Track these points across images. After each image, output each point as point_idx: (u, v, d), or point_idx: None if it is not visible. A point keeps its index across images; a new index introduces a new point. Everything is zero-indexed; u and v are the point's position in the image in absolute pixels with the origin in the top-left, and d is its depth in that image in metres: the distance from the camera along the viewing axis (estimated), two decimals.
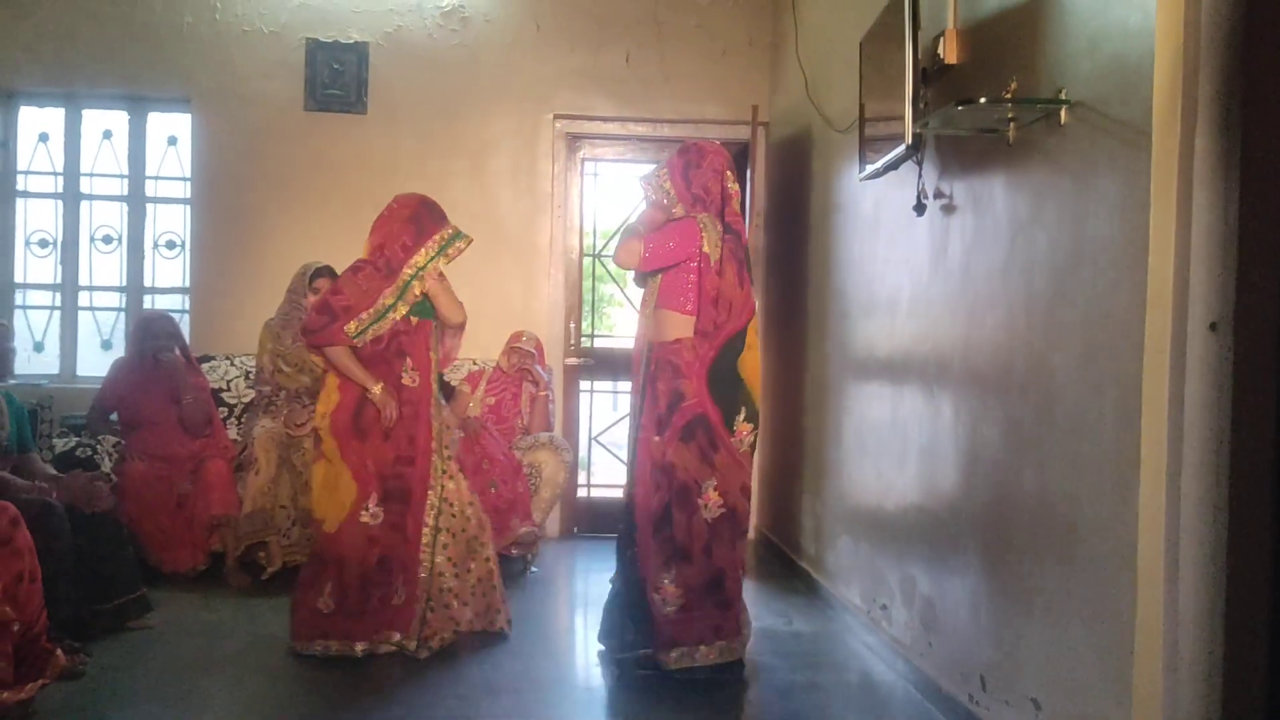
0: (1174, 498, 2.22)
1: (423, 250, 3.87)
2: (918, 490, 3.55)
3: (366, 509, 3.80)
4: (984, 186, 3.07)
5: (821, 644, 4.11)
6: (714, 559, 3.58)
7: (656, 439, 3.62)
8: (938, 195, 3.39)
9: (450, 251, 3.92)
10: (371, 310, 3.82)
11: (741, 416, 3.64)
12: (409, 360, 3.91)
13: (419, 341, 3.94)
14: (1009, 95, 2.68)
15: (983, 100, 2.67)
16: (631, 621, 3.67)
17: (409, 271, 3.85)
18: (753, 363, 3.69)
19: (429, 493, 3.89)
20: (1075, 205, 2.54)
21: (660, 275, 3.67)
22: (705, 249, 3.60)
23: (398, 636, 3.78)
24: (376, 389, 3.82)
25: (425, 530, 3.87)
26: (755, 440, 3.70)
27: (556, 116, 5.99)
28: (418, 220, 3.90)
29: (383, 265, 3.85)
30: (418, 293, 3.87)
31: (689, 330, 3.62)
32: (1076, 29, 2.55)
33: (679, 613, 3.55)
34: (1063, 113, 2.58)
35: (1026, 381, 2.76)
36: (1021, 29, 2.82)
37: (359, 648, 3.74)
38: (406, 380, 3.90)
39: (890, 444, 3.82)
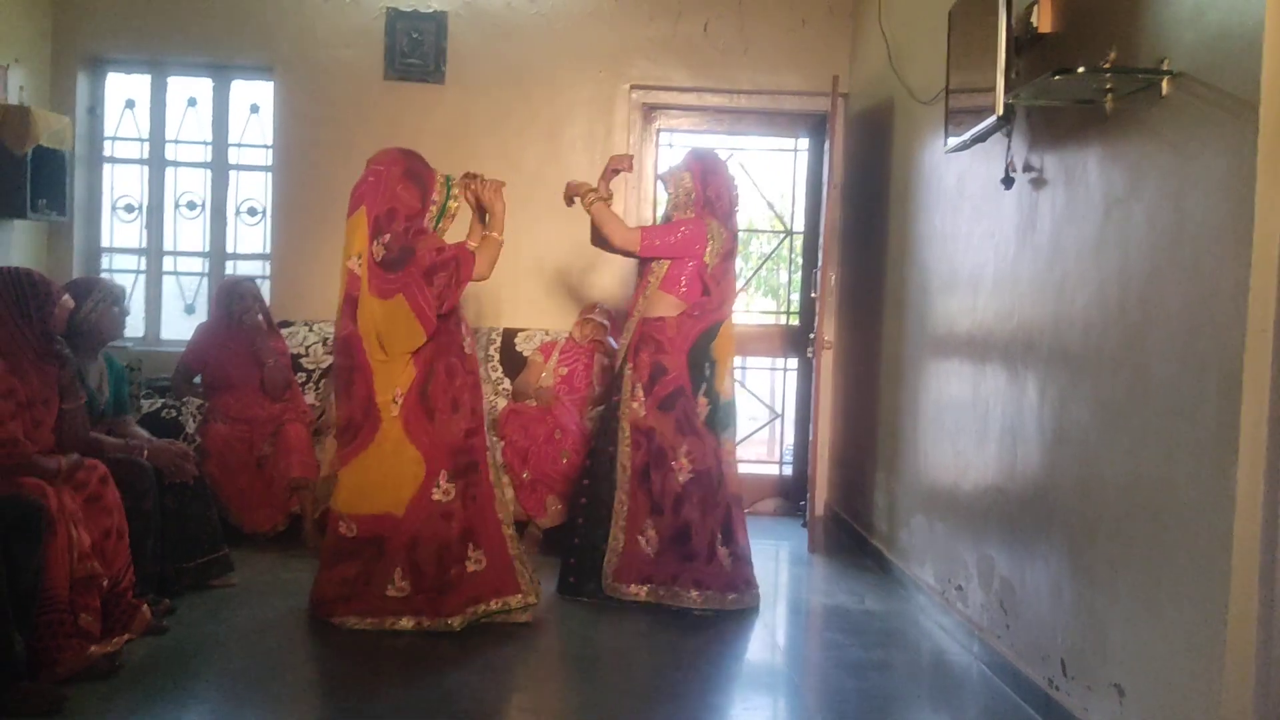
0: (1273, 484, 2.15)
1: (433, 205, 3.75)
2: (998, 470, 3.48)
3: (438, 486, 3.69)
4: (1077, 160, 2.98)
5: (894, 623, 4.08)
6: (681, 516, 4.08)
7: (635, 404, 4.14)
8: (1027, 169, 3.30)
9: (456, 193, 3.80)
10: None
11: (702, 392, 4.18)
12: (464, 326, 3.86)
13: (461, 307, 3.89)
14: (1108, 65, 2.60)
15: (1081, 70, 2.59)
16: (582, 560, 4.15)
17: (432, 225, 3.76)
18: (726, 346, 4.29)
19: (488, 456, 3.85)
20: (1176, 180, 2.46)
21: (667, 262, 4.18)
22: (706, 257, 4.17)
23: (511, 599, 3.73)
24: (497, 235, 3.80)
25: (496, 495, 3.84)
26: (709, 414, 4.20)
27: (633, 87, 5.96)
28: (414, 175, 3.72)
29: (417, 226, 3.70)
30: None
31: (675, 311, 4.17)
32: None
33: (656, 556, 4.08)
34: (1164, 83, 2.49)
35: (1120, 361, 2.69)
36: None
37: (455, 622, 3.64)
38: (467, 348, 3.84)
39: (970, 423, 3.76)
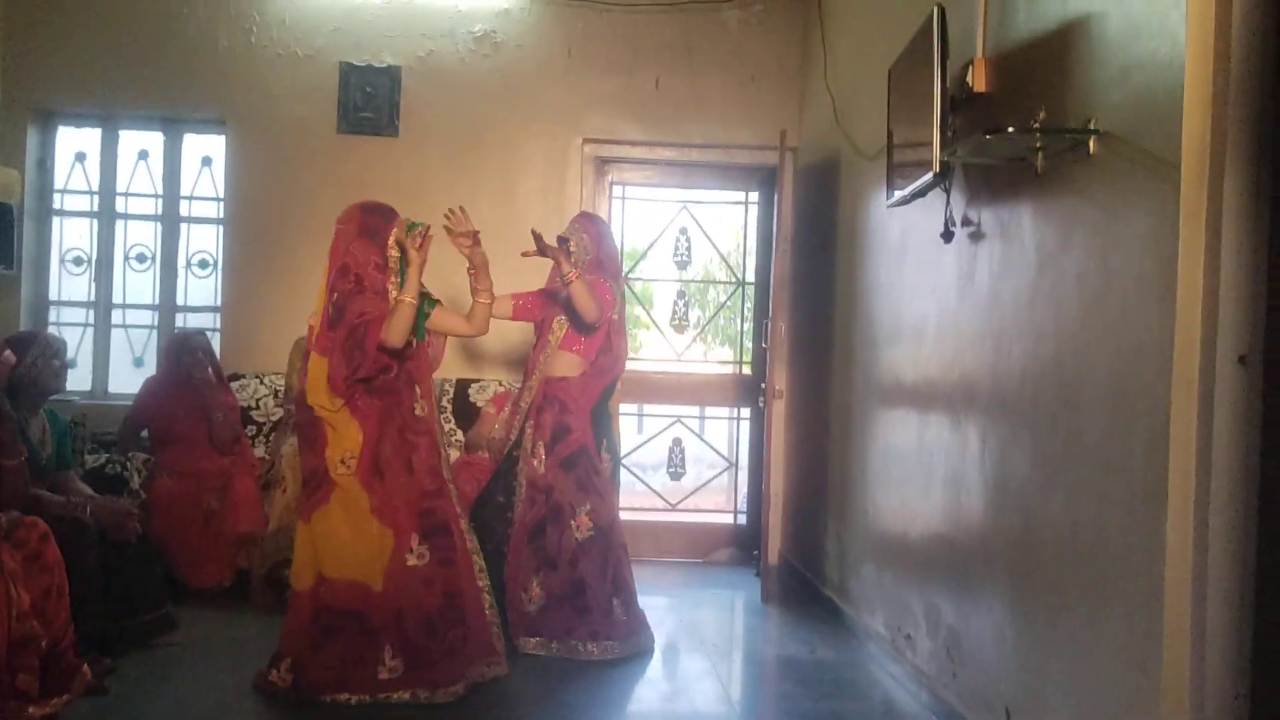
0: (1201, 533, 2.20)
1: (392, 259, 3.64)
2: (943, 519, 3.52)
3: (411, 551, 3.55)
4: (1012, 215, 3.06)
5: (845, 672, 4.08)
6: (578, 571, 4.17)
7: (535, 462, 4.22)
8: (965, 223, 3.38)
9: (415, 243, 3.59)
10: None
11: (603, 448, 4.33)
12: (418, 389, 3.72)
13: (423, 366, 3.77)
14: (1037, 124, 2.68)
15: (1011, 129, 2.68)
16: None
17: (393, 287, 3.62)
18: (617, 401, 4.42)
19: (460, 519, 3.74)
20: (1104, 236, 2.53)
21: (567, 321, 4.29)
22: (614, 314, 4.34)
23: (492, 669, 3.64)
24: (408, 299, 3.52)
25: (474, 560, 3.73)
26: (612, 469, 4.41)
27: (586, 140, 6.03)
28: (367, 230, 3.63)
29: (360, 286, 3.59)
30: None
31: (577, 371, 4.30)
32: (1106, 59, 2.54)
33: (539, 612, 4.14)
34: (1091, 143, 2.57)
35: (1055, 412, 2.75)
36: (1051, 58, 2.82)
37: (458, 688, 3.50)
38: (419, 410, 3.70)
39: (915, 472, 3.80)
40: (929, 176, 3.13)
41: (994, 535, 3.11)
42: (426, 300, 3.72)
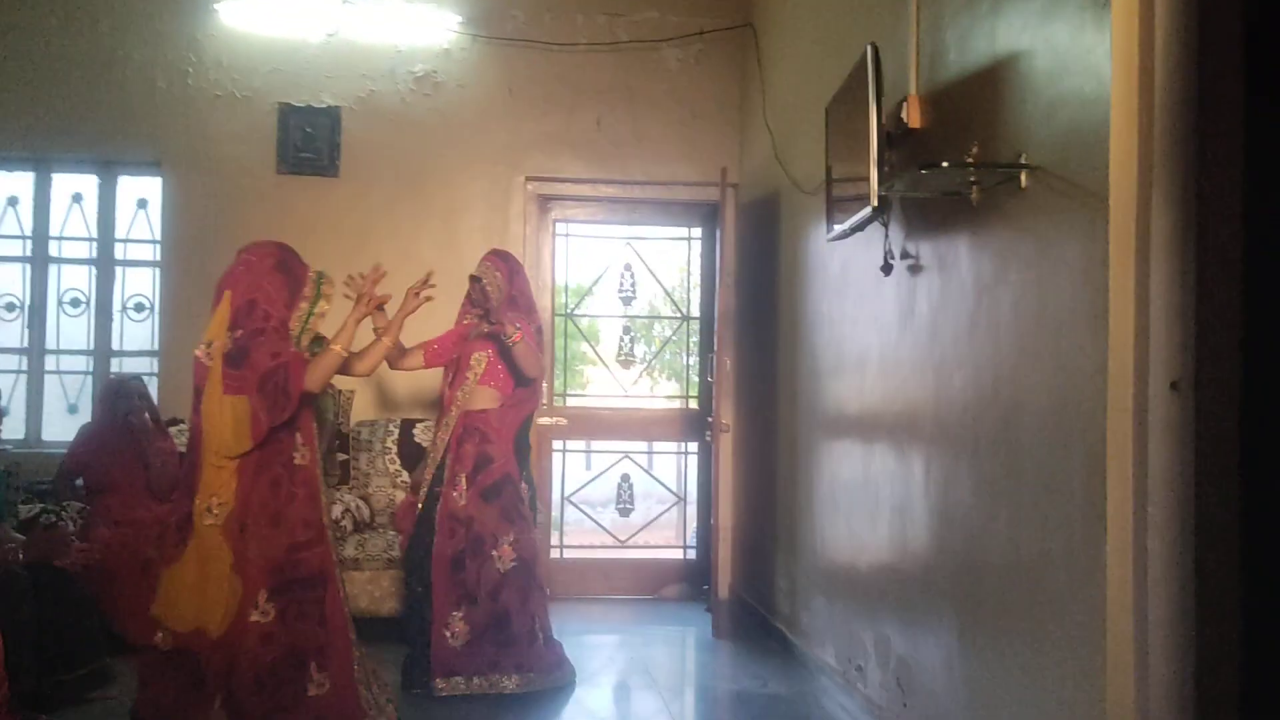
0: (1140, 556, 2.23)
1: (304, 302, 3.55)
2: (890, 549, 3.55)
3: (256, 606, 3.37)
4: (949, 248, 3.11)
5: (797, 707, 4.08)
6: (500, 603, 4.17)
7: (455, 494, 4.22)
8: (904, 256, 3.43)
9: (327, 291, 3.61)
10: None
11: (522, 478, 4.38)
12: (298, 436, 3.55)
13: (304, 413, 3.57)
14: (971, 159, 2.74)
15: (945, 164, 2.74)
16: (419, 650, 4.15)
17: (295, 328, 3.53)
18: (533, 432, 4.52)
19: (336, 569, 3.60)
20: (1038, 266, 2.59)
21: (486, 357, 4.36)
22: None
23: None
24: (338, 348, 3.51)
25: (346, 612, 3.60)
26: (531, 499, 4.42)
27: (528, 179, 6.04)
28: (285, 268, 3.55)
29: (269, 325, 3.46)
30: (304, 346, 3.55)
31: (496, 403, 4.34)
32: (1035, 95, 2.61)
33: (463, 647, 4.11)
34: (1023, 176, 2.63)
35: (996, 440, 2.79)
36: (981, 95, 2.88)
37: None
38: (299, 459, 3.53)
39: (862, 503, 3.83)
40: (867, 211, 3.17)
41: (940, 563, 3.14)
42: (315, 342, 3.64)
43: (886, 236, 3.46)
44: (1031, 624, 2.58)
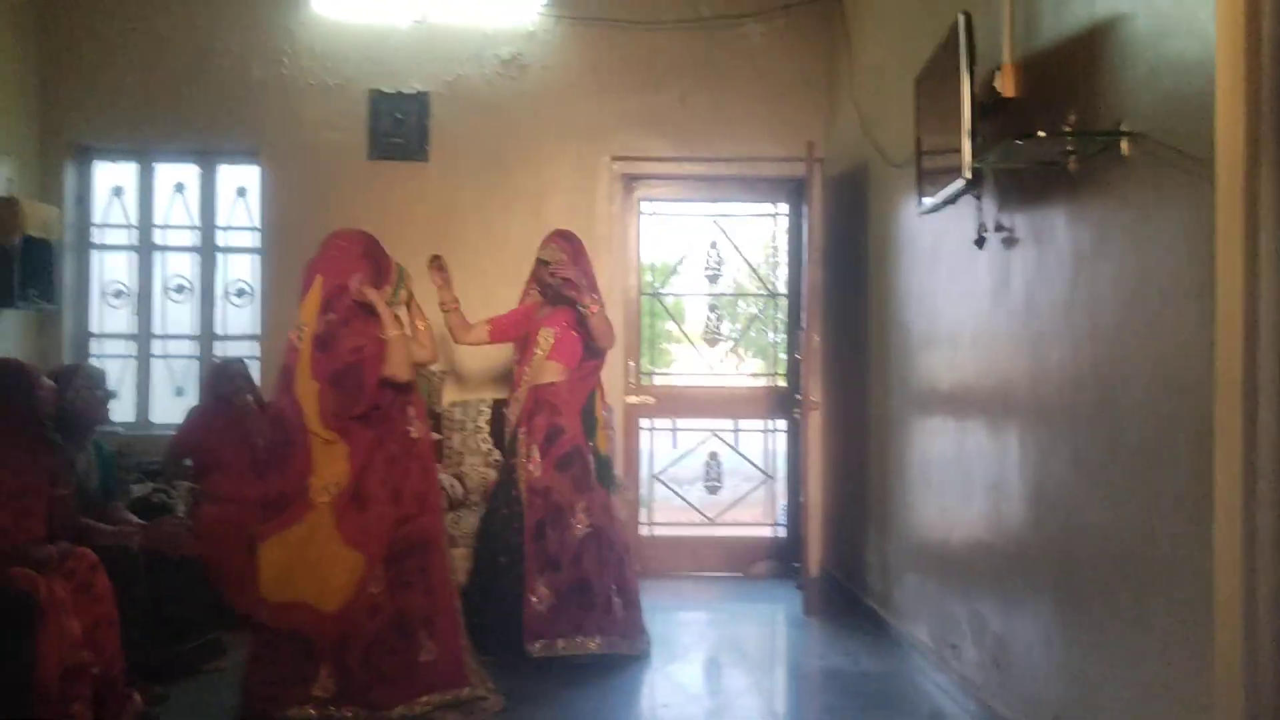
0: (1250, 532, 2.18)
1: (388, 287, 3.68)
2: (984, 526, 3.50)
3: (374, 577, 3.51)
4: (1045, 219, 3.05)
5: (890, 684, 4.06)
6: (581, 568, 4.27)
7: (531, 465, 4.34)
8: (998, 228, 3.37)
9: (408, 285, 3.75)
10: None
11: (589, 448, 4.48)
12: (411, 410, 3.67)
13: (412, 387, 3.70)
14: (1068, 128, 2.68)
15: (1041, 134, 2.67)
16: (498, 618, 4.20)
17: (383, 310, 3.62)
18: (601, 404, 4.67)
19: (443, 538, 3.71)
20: (1139, 237, 2.52)
21: (554, 333, 4.48)
22: None
23: (451, 694, 3.55)
24: (395, 333, 3.58)
25: (453, 582, 3.71)
26: (596, 469, 4.49)
27: (613, 158, 6.06)
28: (371, 255, 3.68)
29: (356, 312, 3.58)
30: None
31: (563, 376, 4.46)
32: (1135, 60, 2.53)
33: (549, 611, 4.21)
34: (1124, 144, 2.56)
35: (1095, 415, 2.73)
36: (1078, 61, 2.81)
37: (395, 713, 3.46)
38: (414, 432, 3.68)
39: (955, 479, 3.79)
40: (960, 183, 3.12)
41: (1037, 540, 3.09)
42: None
43: (979, 209, 3.40)
44: (1133, 602, 2.53)
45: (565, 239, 4.61)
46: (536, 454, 4.37)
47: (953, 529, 3.82)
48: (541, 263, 4.56)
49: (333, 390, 3.49)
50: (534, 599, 4.24)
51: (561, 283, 4.48)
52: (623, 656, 4.32)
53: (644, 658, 4.41)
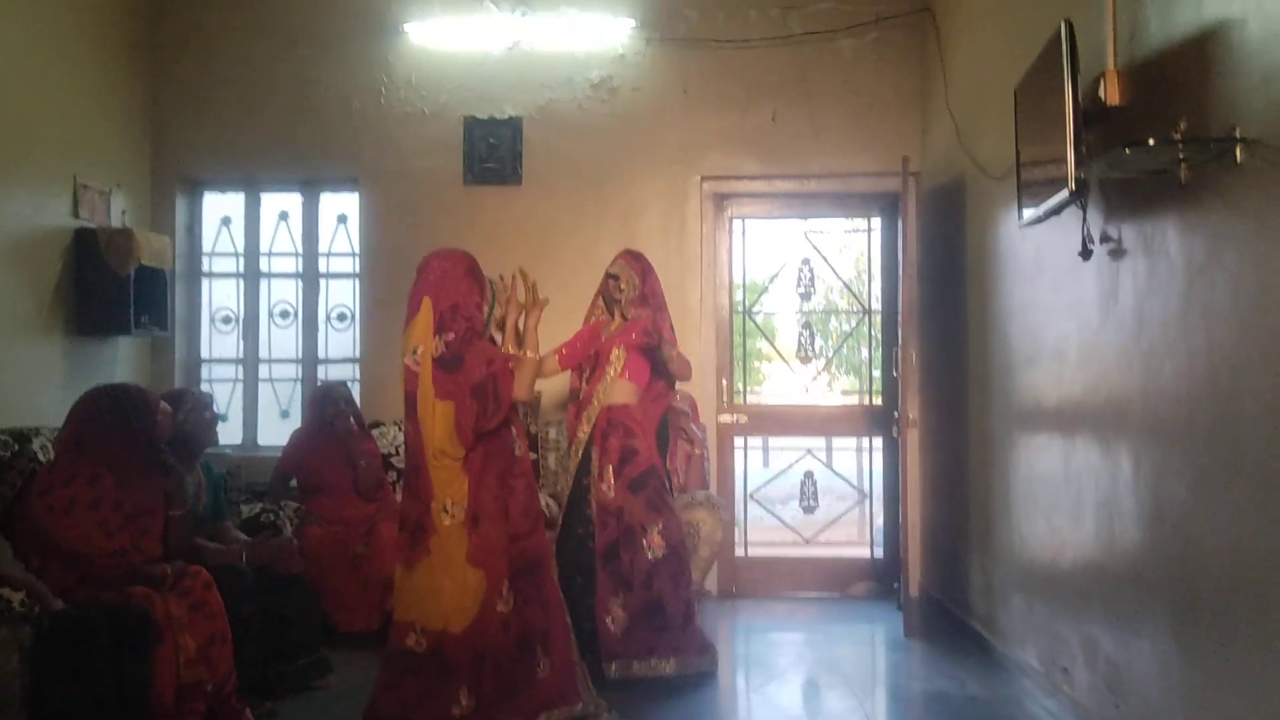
0: None
1: (486, 305, 3.70)
2: (1096, 546, 3.40)
3: (500, 595, 3.52)
4: (1155, 229, 2.96)
5: (999, 709, 3.96)
6: (654, 590, 4.26)
7: (604, 486, 4.35)
8: (1104, 240, 3.28)
9: (501, 298, 3.77)
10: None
11: (664, 468, 4.52)
12: (513, 429, 3.69)
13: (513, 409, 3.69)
14: (1179, 135, 2.59)
15: (1152, 142, 2.59)
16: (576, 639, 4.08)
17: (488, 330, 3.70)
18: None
19: (552, 556, 3.76)
20: (1257, 246, 2.43)
21: (624, 353, 4.46)
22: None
23: (566, 710, 3.58)
24: (532, 354, 3.67)
25: (562, 598, 3.75)
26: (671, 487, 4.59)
27: (704, 177, 6.07)
28: (473, 273, 3.66)
29: (475, 330, 3.60)
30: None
31: (636, 398, 4.47)
32: (1247, 65, 2.45)
33: (622, 633, 4.22)
34: (1238, 151, 2.47)
35: (1214, 432, 2.63)
36: (1187, 67, 2.73)
37: None
38: (518, 450, 3.68)
39: (1063, 498, 3.68)
40: (1064, 194, 3.05)
41: (1153, 562, 2.98)
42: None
43: (1085, 220, 3.31)
44: (1257, 626, 2.42)
45: (635, 258, 4.63)
46: (610, 474, 4.37)
47: (1062, 549, 3.71)
48: (610, 277, 4.57)
49: (474, 404, 3.49)
50: (608, 620, 4.26)
51: (612, 304, 4.49)
52: (696, 675, 4.30)
53: (715, 674, 4.37)
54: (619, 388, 4.48)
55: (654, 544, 4.31)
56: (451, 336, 3.53)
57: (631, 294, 4.53)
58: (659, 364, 4.48)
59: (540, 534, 3.72)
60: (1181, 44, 2.77)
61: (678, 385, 5.65)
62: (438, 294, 3.57)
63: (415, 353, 3.56)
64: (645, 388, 4.52)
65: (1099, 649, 3.36)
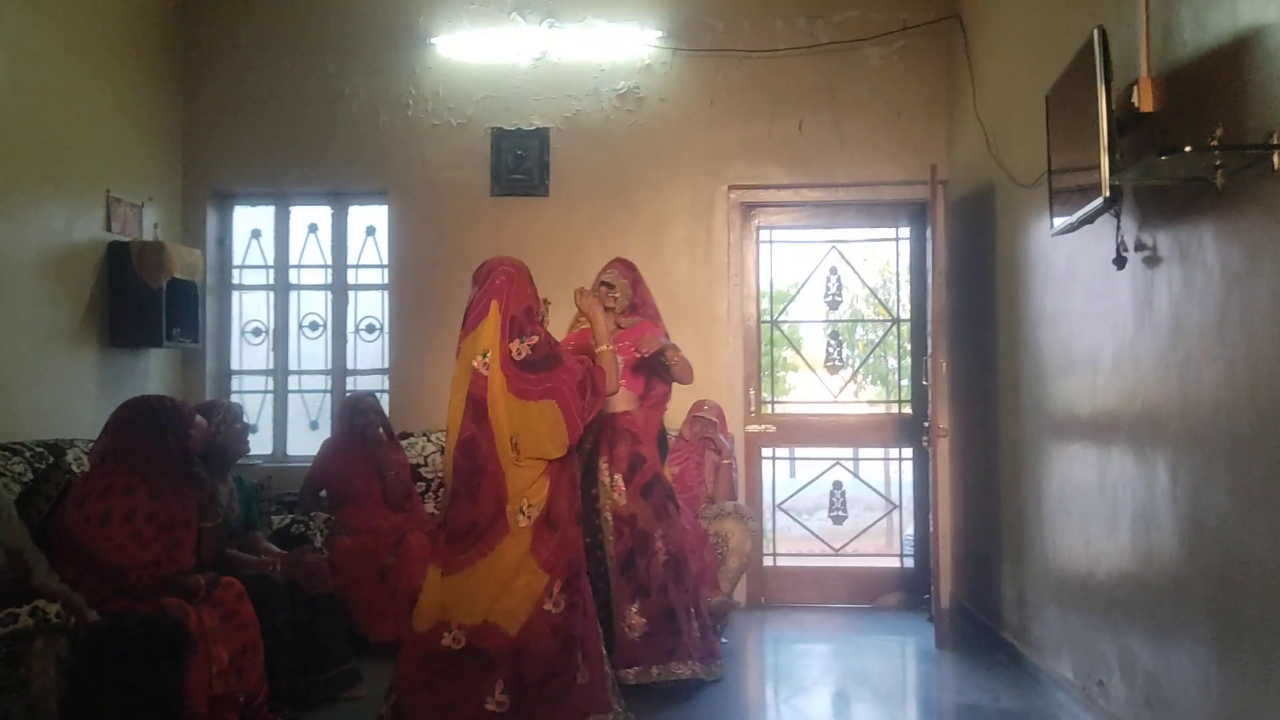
0: None
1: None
2: (1132, 558, 3.36)
3: (550, 597, 3.52)
4: (1191, 237, 2.93)
5: None
6: (667, 595, 4.29)
7: (617, 495, 4.37)
8: (1139, 247, 3.25)
9: (548, 308, 3.86)
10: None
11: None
12: None
13: None
14: (1215, 142, 2.57)
15: (1188, 149, 2.57)
16: None
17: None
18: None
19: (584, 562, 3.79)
20: None
21: (623, 361, 4.33)
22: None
23: (607, 718, 3.57)
24: (611, 348, 3.87)
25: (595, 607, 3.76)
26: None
27: (731, 187, 6.07)
28: (532, 283, 3.68)
29: (548, 333, 3.67)
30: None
31: (635, 405, 4.50)
32: None
33: (642, 639, 4.23)
34: (1276, 158, 2.44)
35: (1255, 441, 2.59)
36: (1222, 73, 2.70)
37: None
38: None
39: (1098, 509, 3.64)
40: (1098, 202, 3.02)
41: (1192, 574, 2.94)
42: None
43: (1118, 228, 3.28)
44: None
45: (627, 266, 4.67)
46: (621, 482, 4.40)
47: (1098, 560, 3.67)
48: (604, 285, 4.56)
49: (580, 399, 3.58)
50: (627, 627, 4.27)
51: (652, 352, 4.41)
52: (705, 681, 4.31)
53: (722, 678, 4.40)
54: (619, 396, 4.41)
55: (659, 550, 4.35)
56: (536, 339, 3.58)
57: (624, 302, 4.56)
58: (660, 369, 4.49)
59: (581, 539, 3.76)
60: (1216, 49, 2.74)
61: (705, 396, 5.68)
62: (506, 299, 3.57)
63: (484, 356, 3.53)
64: (642, 394, 4.55)
65: (1136, 662, 3.32)
